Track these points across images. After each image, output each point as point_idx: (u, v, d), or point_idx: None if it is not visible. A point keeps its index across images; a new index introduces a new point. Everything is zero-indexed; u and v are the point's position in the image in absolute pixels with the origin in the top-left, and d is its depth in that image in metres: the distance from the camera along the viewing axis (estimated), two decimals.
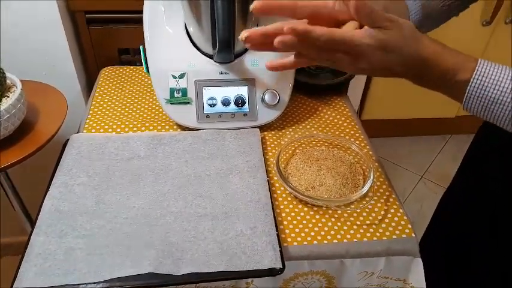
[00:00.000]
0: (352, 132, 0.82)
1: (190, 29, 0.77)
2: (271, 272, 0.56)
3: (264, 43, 0.46)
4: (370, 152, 0.77)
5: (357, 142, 0.79)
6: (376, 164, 0.74)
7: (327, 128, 0.83)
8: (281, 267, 0.57)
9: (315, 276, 0.64)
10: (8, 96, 0.73)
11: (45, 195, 0.66)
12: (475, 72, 0.45)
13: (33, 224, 0.62)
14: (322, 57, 0.46)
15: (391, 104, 1.68)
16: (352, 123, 0.84)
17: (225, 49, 0.71)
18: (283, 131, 0.82)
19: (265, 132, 0.81)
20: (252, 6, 0.46)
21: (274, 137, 0.80)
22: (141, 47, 0.79)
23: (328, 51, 0.45)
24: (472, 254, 0.75)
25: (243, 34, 0.47)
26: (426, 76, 0.47)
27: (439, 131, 1.92)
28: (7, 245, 1.30)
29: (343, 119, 0.85)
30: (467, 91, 0.46)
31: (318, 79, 0.91)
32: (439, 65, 0.46)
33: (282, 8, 0.47)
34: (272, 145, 0.78)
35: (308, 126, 0.83)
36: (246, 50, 0.78)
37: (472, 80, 0.45)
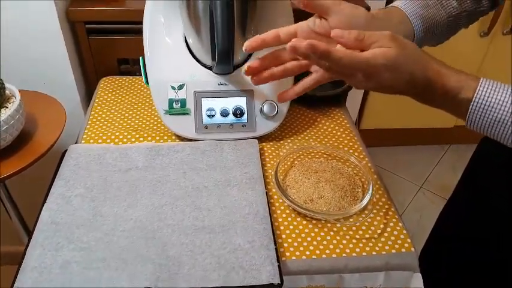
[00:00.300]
0: (350, 143, 0.82)
1: (190, 41, 0.77)
2: None
3: (269, 75, 0.51)
4: (369, 164, 0.77)
5: (356, 154, 0.79)
6: (375, 176, 0.74)
7: (326, 139, 0.83)
8: (279, 282, 0.56)
9: None
10: (7, 107, 0.73)
11: (42, 207, 0.65)
12: (476, 92, 0.46)
13: (30, 234, 0.61)
14: (336, 74, 0.49)
15: (389, 113, 1.68)
16: (351, 135, 0.84)
17: (224, 60, 0.71)
18: (281, 141, 0.81)
19: (264, 143, 0.80)
20: (244, 47, 0.54)
21: (273, 148, 0.80)
22: (140, 58, 0.79)
23: (345, 70, 0.47)
24: (472, 269, 0.74)
25: (245, 67, 0.53)
26: (429, 95, 0.48)
27: (438, 141, 1.92)
28: (6, 254, 1.30)
29: (341, 130, 0.85)
30: (469, 110, 0.46)
31: (316, 90, 0.90)
32: (442, 84, 0.47)
33: (267, 40, 0.54)
34: (270, 156, 0.78)
35: (307, 138, 0.83)
36: (245, 61, 0.78)
37: (474, 99, 0.46)
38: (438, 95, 0.47)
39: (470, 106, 0.46)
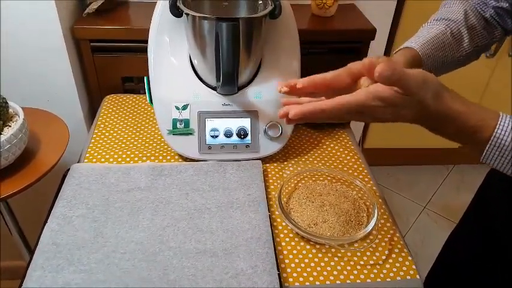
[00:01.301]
0: (355, 165, 0.81)
1: (195, 61, 0.77)
2: None
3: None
4: (374, 188, 0.76)
5: (360, 177, 0.78)
6: (380, 200, 0.73)
7: (330, 161, 0.82)
8: None
9: None
10: (10, 126, 0.73)
11: (43, 227, 0.65)
12: (495, 132, 0.45)
13: (30, 250, 0.61)
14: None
15: (393, 133, 1.67)
16: (356, 157, 0.83)
17: (229, 81, 0.71)
18: (285, 163, 0.81)
19: (267, 164, 0.80)
20: (278, 88, 0.53)
21: (277, 169, 0.79)
22: (145, 78, 0.79)
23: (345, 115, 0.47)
24: None
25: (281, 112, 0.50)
26: (443, 129, 0.47)
27: (442, 161, 1.91)
28: (6, 269, 1.28)
29: (346, 152, 0.85)
30: (486, 149, 0.46)
31: None
32: (461, 123, 0.46)
33: (303, 89, 0.53)
34: (274, 177, 0.77)
35: (311, 159, 0.82)
36: (249, 83, 0.79)
37: (491, 140, 0.45)
38: (453, 130, 0.47)
39: (487, 146, 0.46)
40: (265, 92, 0.78)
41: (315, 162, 0.82)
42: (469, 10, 0.62)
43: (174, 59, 0.78)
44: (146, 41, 0.79)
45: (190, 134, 0.77)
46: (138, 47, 0.94)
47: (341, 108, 0.46)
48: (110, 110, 0.92)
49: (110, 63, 0.97)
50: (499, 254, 0.69)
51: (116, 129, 0.86)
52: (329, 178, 0.76)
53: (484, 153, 0.47)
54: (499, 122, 0.45)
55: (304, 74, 0.81)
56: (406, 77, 0.43)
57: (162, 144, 0.83)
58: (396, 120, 0.47)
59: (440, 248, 0.85)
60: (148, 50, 0.78)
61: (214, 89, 0.77)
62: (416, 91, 0.44)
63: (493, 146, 0.45)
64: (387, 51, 1.41)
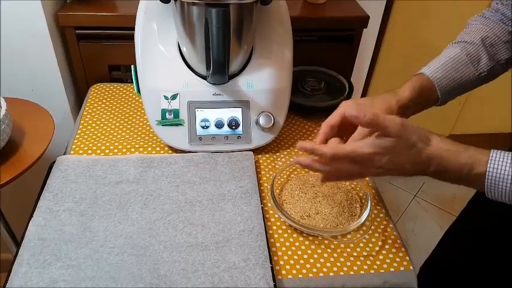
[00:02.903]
0: None
1: (184, 49, 0.75)
2: None
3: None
4: (367, 178, 0.75)
5: None
6: (373, 190, 0.72)
7: None
8: None
9: None
10: None
11: (29, 221, 0.63)
12: (488, 166, 0.47)
13: (18, 246, 0.59)
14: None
15: None
16: None
17: (220, 70, 0.69)
18: (277, 154, 0.80)
19: (259, 156, 0.78)
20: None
21: (269, 161, 0.78)
22: (132, 66, 0.76)
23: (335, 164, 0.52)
24: None
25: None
26: (443, 173, 0.50)
27: None
28: None
29: None
30: (485, 184, 0.48)
31: (313, 101, 0.89)
32: (454, 162, 0.49)
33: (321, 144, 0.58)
34: (266, 169, 0.76)
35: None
36: (240, 71, 0.77)
37: (487, 173, 0.47)
38: (452, 171, 0.49)
39: (486, 181, 0.47)
40: (257, 81, 0.76)
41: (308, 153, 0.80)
42: (489, 28, 0.64)
43: (162, 46, 0.76)
44: (133, 28, 0.76)
45: (180, 124, 0.75)
46: (125, 34, 0.91)
47: (339, 157, 0.51)
48: (97, 100, 0.90)
49: (96, 52, 0.94)
50: (498, 248, 0.69)
51: (103, 120, 0.84)
52: None
53: (485, 188, 0.48)
54: (490, 156, 0.48)
55: (296, 62, 0.80)
56: (381, 118, 0.48)
57: (151, 135, 0.81)
58: (399, 172, 0.50)
59: (431, 237, 0.85)
60: (135, 37, 0.76)
61: (204, 78, 0.75)
62: (398, 133, 0.48)
63: (490, 179, 0.47)
64: (379, 40, 1.40)
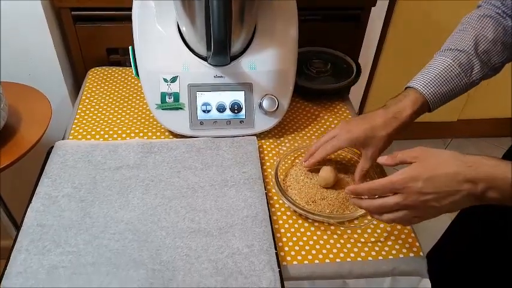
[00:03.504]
0: None
1: (183, 29, 0.72)
2: None
3: None
4: (377, 162, 0.73)
5: None
6: (381, 175, 0.70)
7: None
8: None
9: None
10: None
11: (27, 207, 0.61)
12: None
13: (18, 229, 0.58)
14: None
15: None
16: None
17: (221, 51, 0.66)
18: (282, 139, 0.77)
19: (263, 141, 0.76)
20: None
21: (273, 146, 0.76)
22: (130, 47, 0.74)
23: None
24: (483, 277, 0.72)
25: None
26: (495, 189, 0.46)
27: (440, 135, 1.89)
28: None
29: None
30: None
31: (319, 83, 0.87)
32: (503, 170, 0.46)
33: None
34: (270, 154, 0.74)
35: (308, 134, 0.79)
36: (243, 52, 0.74)
37: None
38: (505, 189, 0.45)
39: None
40: (260, 63, 0.73)
41: (313, 137, 0.78)
42: (483, 29, 0.61)
43: (160, 27, 0.73)
44: (131, 9, 0.73)
45: (181, 108, 0.73)
46: (124, 15, 0.88)
47: (375, 188, 0.52)
48: (95, 84, 0.87)
49: (93, 34, 0.92)
50: (508, 236, 0.67)
51: (101, 104, 0.82)
52: None
53: None
54: None
55: (301, 43, 0.77)
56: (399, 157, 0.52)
57: (151, 119, 0.79)
58: (446, 194, 0.48)
59: (437, 222, 0.83)
60: (132, 17, 0.73)
61: (205, 59, 0.72)
62: (416, 156, 0.50)
63: None
64: (387, 19, 1.36)
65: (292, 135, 0.78)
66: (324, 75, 0.88)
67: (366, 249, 0.59)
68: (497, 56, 0.62)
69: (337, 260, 0.58)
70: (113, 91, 0.86)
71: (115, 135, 0.75)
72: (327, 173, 0.64)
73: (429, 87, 0.61)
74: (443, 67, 0.61)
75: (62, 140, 0.73)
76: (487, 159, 0.47)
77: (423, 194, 0.48)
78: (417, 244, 0.60)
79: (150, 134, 0.76)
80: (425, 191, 0.48)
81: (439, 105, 0.63)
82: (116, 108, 0.81)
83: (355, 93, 1.51)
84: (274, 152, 0.74)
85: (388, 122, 0.61)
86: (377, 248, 0.59)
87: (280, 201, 0.65)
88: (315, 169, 0.68)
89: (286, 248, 0.59)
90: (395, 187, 0.49)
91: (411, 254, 0.59)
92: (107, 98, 0.84)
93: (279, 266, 0.55)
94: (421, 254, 0.59)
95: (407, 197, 0.49)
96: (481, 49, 0.61)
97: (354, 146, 0.63)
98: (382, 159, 0.55)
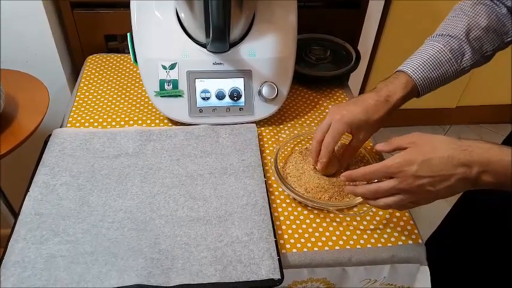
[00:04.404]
0: None
1: (182, 15, 0.71)
2: (269, 284, 0.52)
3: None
4: (374, 150, 0.72)
5: None
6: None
7: None
8: (279, 277, 0.53)
9: (314, 283, 0.60)
10: None
11: (25, 196, 0.61)
12: None
13: (16, 218, 0.57)
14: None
15: None
16: None
17: (220, 37, 0.65)
18: (281, 126, 0.77)
19: (262, 128, 0.76)
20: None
21: (272, 133, 0.75)
22: (128, 34, 0.73)
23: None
24: (483, 265, 0.72)
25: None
26: (489, 173, 0.46)
27: (439, 121, 1.88)
28: None
29: None
30: None
31: (318, 70, 0.86)
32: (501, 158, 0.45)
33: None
34: (269, 142, 0.73)
35: (308, 121, 0.78)
36: (242, 39, 0.73)
37: None
38: (499, 173, 0.45)
39: None
40: (260, 50, 0.72)
41: (313, 124, 0.78)
42: (476, 16, 0.60)
43: (159, 13, 0.72)
44: None
45: (180, 95, 0.72)
46: (122, 1, 0.87)
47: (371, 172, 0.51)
48: (93, 71, 0.86)
49: (91, 20, 0.90)
50: (507, 225, 0.67)
51: (100, 92, 0.81)
52: None
53: None
54: None
55: (300, 29, 0.75)
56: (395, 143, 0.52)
57: (150, 107, 0.78)
58: (440, 179, 0.48)
59: (434, 209, 0.83)
60: (130, 3, 0.71)
61: (204, 46, 0.71)
62: (410, 142, 0.50)
63: None
64: (386, 5, 1.34)
65: (292, 122, 0.78)
66: (323, 62, 0.87)
67: (365, 236, 0.59)
68: (489, 43, 0.61)
69: (336, 247, 0.58)
70: (111, 78, 0.85)
71: (113, 123, 0.74)
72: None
73: (419, 72, 0.60)
74: (433, 52, 0.60)
75: (60, 127, 0.72)
76: (482, 143, 0.47)
77: (418, 178, 0.48)
78: (416, 231, 0.60)
79: (148, 121, 0.75)
80: (420, 174, 0.48)
81: (428, 91, 0.62)
82: (115, 96, 0.80)
83: (354, 80, 1.50)
84: (273, 139, 0.74)
85: (380, 105, 0.60)
86: (376, 236, 0.59)
87: (280, 189, 0.65)
88: None
89: (286, 236, 0.59)
90: (391, 171, 0.49)
91: (410, 242, 0.59)
92: (105, 85, 0.83)
93: (278, 254, 0.55)
94: (420, 241, 0.59)
95: (402, 181, 0.49)
96: (473, 36, 0.60)
97: (349, 130, 0.62)
98: (379, 146, 0.55)
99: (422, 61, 0.60)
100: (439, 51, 0.60)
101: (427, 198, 0.50)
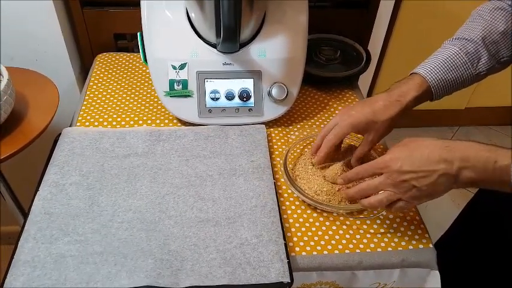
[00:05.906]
0: None
1: (192, 15, 0.71)
2: (278, 287, 0.52)
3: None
4: (385, 152, 0.72)
5: None
6: None
7: None
8: (289, 281, 0.52)
9: (323, 286, 0.60)
10: None
11: (34, 195, 0.61)
12: None
13: (25, 217, 0.57)
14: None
15: None
16: None
17: (230, 37, 0.65)
18: (290, 127, 0.76)
19: (272, 129, 0.75)
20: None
21: (281, 134, 0.75)
22: (138, 34, 0.73)
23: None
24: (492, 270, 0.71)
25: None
26: (468, 169, 0.47)
27: (447, 123, 1.87)
28: (5, 234, 1.27)
29: None
30: None
31: (328, 71, 0.85)
32: (476, 153, 0.47)
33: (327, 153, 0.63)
34: (279, 143, 0.73)
35: (318, 123, 0.78)
36: (252, 39, 0.72)
37: None
38: (479, 168, 0.47)
39: None
40: (270, 50, 0.72)
41: (322, 126, 0.77)
42: (494, 21, 0.60)
43: (169, 12, 0.71)
44: None
45: (189, 96, 0.72)
46: (131, 0, 0.86)
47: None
48: (103, 70, 0.86)
49: (101, 19, 0.90)
50: None
51: (109, 91, 0.81)
52: None
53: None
54: None
55: (310, 30, 0.75)
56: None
57: (159, 107, 0.78)
58: (425, 173, 0.49)
59: (443, 212, 0.82)
60: (141, 2, 0.71)
61: (214, 46, 0.71)
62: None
63: None
64: (397, 5, 1.33)
65: (301, 123, 0.77)
66: (333, 62, 0.86)
67: (375, 240, 0.59)
68: (506, 48, 0.60)
69: (346, 251, 0.57)
70: (120, 77, 0.85)
71: (123, 122, 0.74)
72: (335, 172, 0.63)
73: (433, 73, 0.59)
74: (449, 54, 0.60)
75: (70, 126, 0.73)
76: (464, 141, 0.49)
77: (402, 173, 0.50)
78: (427, 235, 0.60)
79: (158, 121, 0.75)
80: (404, 169, 0.50)
81: (443, 94, 0.61)
82: (124, 95, 0.80)
83: (364, 80, 1.49)
84: (283, 140, 0.73)
85: (391, 105, 0.59)
86: (386, 239, 0.59)
87: (289, 191, 0.64)
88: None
89: (295, 239, 0.58)
90: (379, 167, 0.53)
91: (421, 246, 0.58)
92: (115, 84, 0.83)
93: (287, 256, 0.55)
94: (431, 245, 0.59)
95: (388, 176, 0.51)
96: (489, 40, 0.59)
97: (356, 131, 0.62)
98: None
99: (437, 63, 0.60)
100: (455, 54, 0.59)
101: (415, 196, 0.51)
